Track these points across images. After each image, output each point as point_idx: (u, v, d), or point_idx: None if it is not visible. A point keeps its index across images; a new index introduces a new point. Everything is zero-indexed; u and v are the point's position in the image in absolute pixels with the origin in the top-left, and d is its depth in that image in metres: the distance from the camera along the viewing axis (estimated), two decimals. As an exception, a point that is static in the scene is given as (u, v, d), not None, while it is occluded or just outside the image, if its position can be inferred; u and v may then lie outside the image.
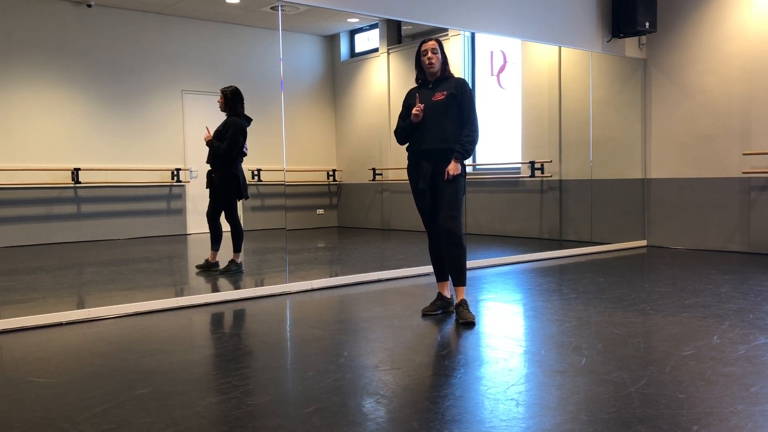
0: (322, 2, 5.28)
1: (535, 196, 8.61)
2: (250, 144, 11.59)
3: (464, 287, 3.95)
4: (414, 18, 5.89)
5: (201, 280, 5.63)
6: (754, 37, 6.71)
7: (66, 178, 9.13)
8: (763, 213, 6.70)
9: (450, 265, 3.95)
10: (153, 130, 9.91)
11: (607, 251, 7.30)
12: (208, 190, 6.05)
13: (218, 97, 6.04)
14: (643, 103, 7.71)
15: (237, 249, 5.94)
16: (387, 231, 10.50)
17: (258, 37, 10.79)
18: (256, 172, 10.61)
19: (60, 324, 3.97)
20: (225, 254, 6.08)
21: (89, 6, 9.24)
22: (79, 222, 9.28)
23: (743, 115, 6.83)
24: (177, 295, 4.93)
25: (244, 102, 6.10)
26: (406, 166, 4.16)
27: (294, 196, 11.29)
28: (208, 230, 6.05)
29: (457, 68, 9.39)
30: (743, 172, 6.76)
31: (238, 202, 6.02)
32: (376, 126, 10.84)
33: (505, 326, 3.80)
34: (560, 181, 8.32)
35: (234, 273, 5.87)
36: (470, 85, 9.52)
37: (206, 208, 6.08)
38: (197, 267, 6.10)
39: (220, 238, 6.04)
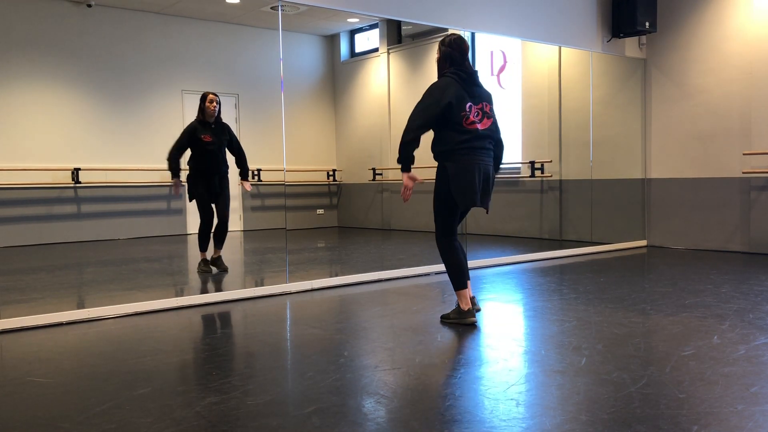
0: (322, 2, 5.28)
1: (535, 196, 8.61)
2: (250, 143, 11.60)
3: (456, 291, 3.81)
4: (414, 18, 5.89)
5: (201, 280, 5.63)
6: (753, 37, 6.71)
7: (66, 178, 9.13)
8: (763, 213, 6.69)
9: None
10: (153, 130, 9.91)
11: (607, 251, 7.30)
12: (200, 194, 5.89)
13: (213, 104, 5.78)
14: (643, 103, 7.71)
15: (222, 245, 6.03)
16: (387, 231, 10.50)
17: (258, 37, 10.79)
18: (256, 172, 10.61)
19: (60, 324, 3.97)
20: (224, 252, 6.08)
21: (89, 6, 9.24)
22: (79, 222, 9.27)
23: (743, 115, 6.83)
24: (177, 295, 4.93)
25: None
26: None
27: (294, 196, 11.29)
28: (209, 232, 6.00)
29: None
30: (743, 172, 6.76)
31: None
32: (376, 126, 10.83)
33: (505, 326, 3.80)
34: (560, 181, 8.32)
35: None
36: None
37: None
38: (203, 270, 5.94)
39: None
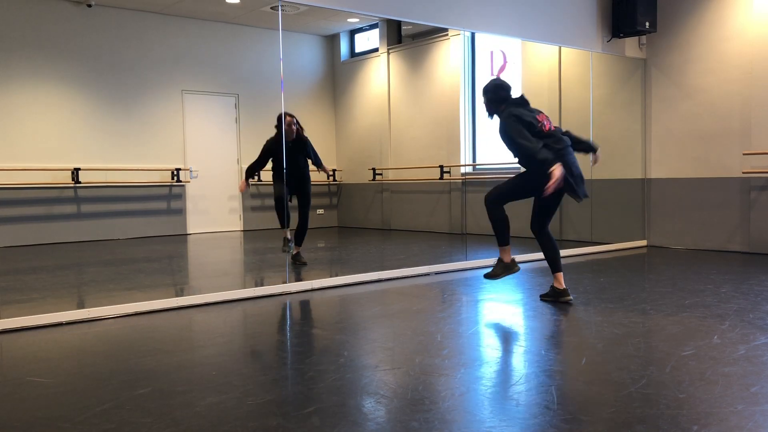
0: (322, 2, 5.28)
1: (535, 196, 8.60)
2: (250, 144, 11.52)
3: (499, 247, 4.47)
4: (414, 18, 5.89)
5: (201, 279, 5.64)
6: (754, 37, 6.71)
7: (66, 178, 9.13)
8: (763, 213, 6.69)
9: None
10: (153, 130, 9.91)
11: (607, 251, 7.29)
12: (285, 189, 6.18)
13: (291, 127, 6.03)
14: (643, 103, 7.70)
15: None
16: (387, 231, 10.50)
17: (258, 37, 10.79)
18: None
19: (60, 324, 3.97)
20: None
21: (89, 6, 9.24)
22: (79, 222, 9.27)
23: (743, 115, 6.83)
24: (177, 295, 4.93)
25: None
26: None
27: (294, 196, 11.28)
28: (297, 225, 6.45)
29: (457, 68, 9.39)
30: (743, 172, 6.76)
31: None
32: (376, 126, 10.83)
33: (505, 326, 3.80)
34: (560, 181, 8.30)
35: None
36: (470, 85, 9.55)
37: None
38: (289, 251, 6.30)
39: None
